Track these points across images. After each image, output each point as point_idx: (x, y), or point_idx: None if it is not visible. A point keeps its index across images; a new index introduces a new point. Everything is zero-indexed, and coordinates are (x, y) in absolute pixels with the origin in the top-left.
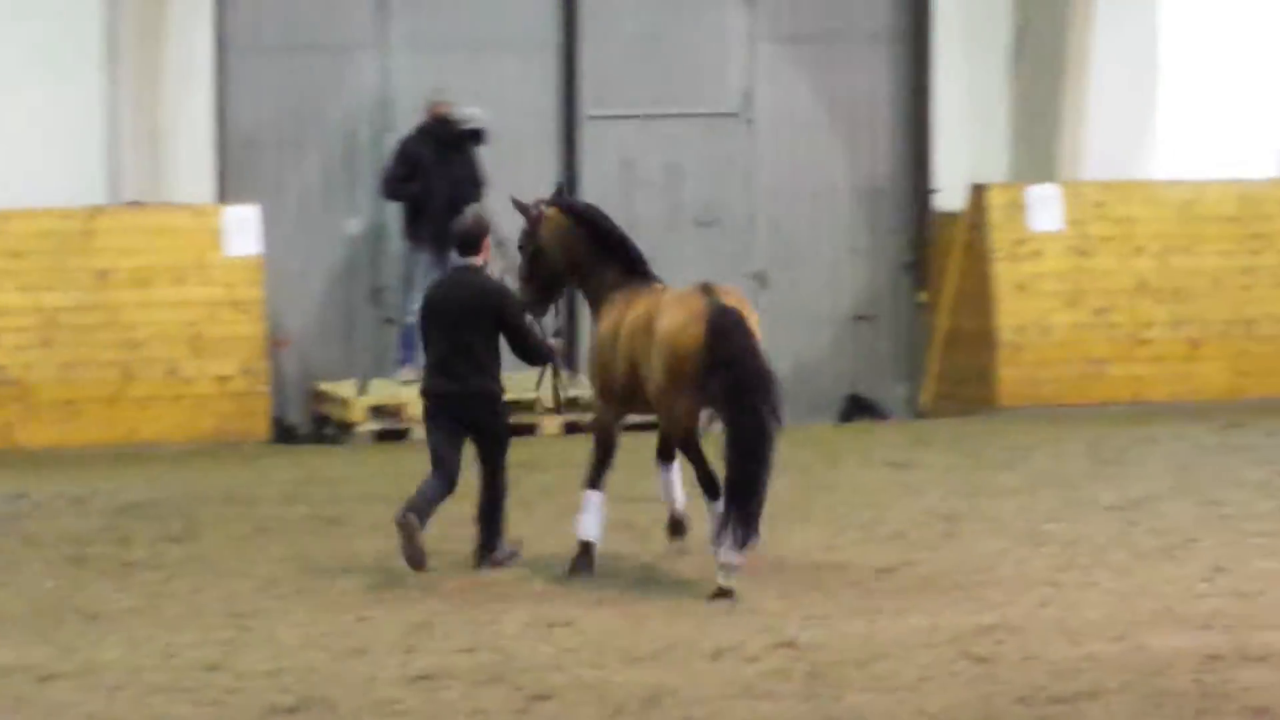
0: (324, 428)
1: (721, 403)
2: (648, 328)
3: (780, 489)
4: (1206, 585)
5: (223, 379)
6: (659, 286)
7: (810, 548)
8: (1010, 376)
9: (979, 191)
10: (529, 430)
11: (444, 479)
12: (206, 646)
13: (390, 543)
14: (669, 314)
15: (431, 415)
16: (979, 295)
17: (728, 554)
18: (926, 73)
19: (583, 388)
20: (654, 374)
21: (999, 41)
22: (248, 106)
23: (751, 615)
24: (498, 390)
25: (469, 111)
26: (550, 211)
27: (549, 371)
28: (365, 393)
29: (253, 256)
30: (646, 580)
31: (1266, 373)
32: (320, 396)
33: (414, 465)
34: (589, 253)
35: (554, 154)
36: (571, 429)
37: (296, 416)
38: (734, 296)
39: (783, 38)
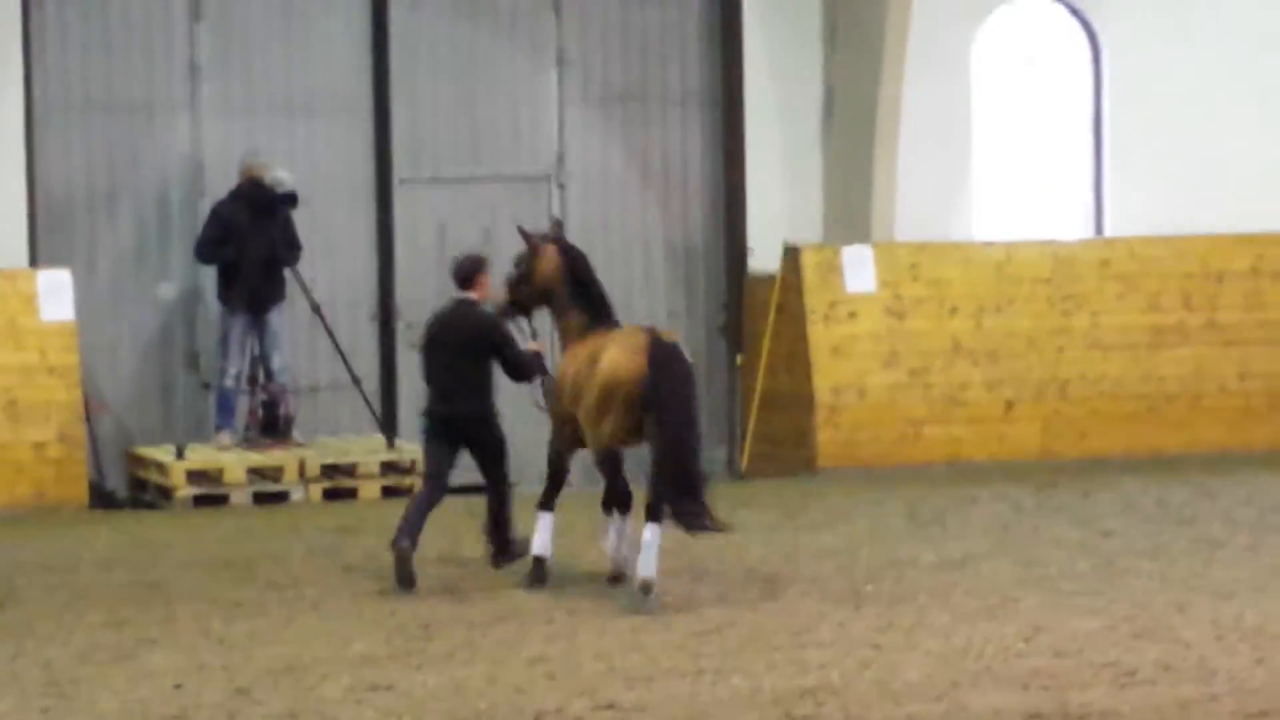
0: (142, 493)
1: (660, 418)
2: (591, 360)
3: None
4: (1026, 645)
5: (39, 445)
6: (614, 329)
7: (629, 606)
8: (828, 438)
9: (793, 253)
10: (351, 494)
11: (435, 489)
12: (25, 714)
13: (209, 606)
14: (615, 346)
15: (432, 434)
16: (795, 357)
17: (647, 567)
18: (738, 134)
19: (403, 452)
20: (588, 398)
21: (811, 103)
22: (59, 169)
23: (572, 677)
24: (492, 411)
25: (281, 175)
26: (549, 248)
27: (537, 381)
28: (183, 457)
29: (67, 321)
30: (469, 644)
31: (1080, 434)
32: (138, 461)
33: (233, 529)
34: (567, 292)
35: (367, 217)
36: (390, 492)
37: (115, 482)
38: (674, 336)
39: (594, 100)
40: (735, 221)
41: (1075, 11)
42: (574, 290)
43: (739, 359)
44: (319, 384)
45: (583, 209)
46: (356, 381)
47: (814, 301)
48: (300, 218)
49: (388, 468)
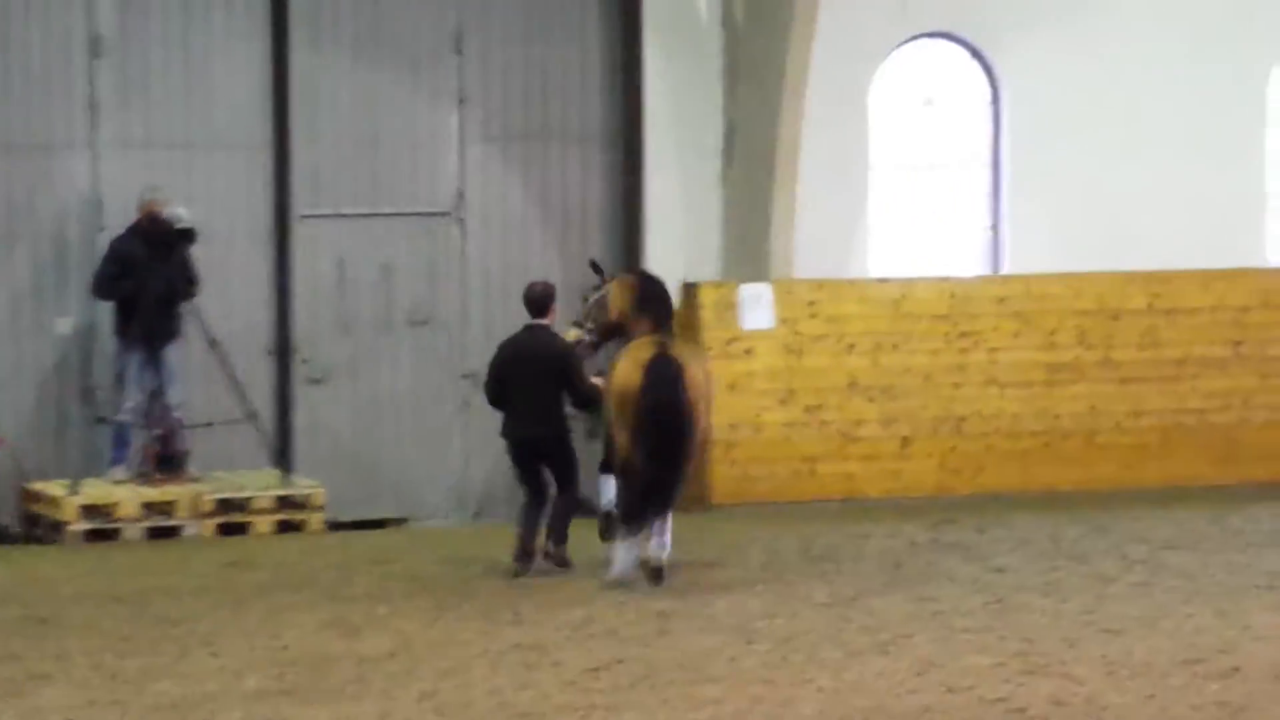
0: (35, 527)
1: (645, 430)
2: (612, 373)
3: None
4: (918, 680)
5: None
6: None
7: (521, 642)
8: (723, 474)
9: (691, 290)
10: (244, 529)
11: (541, 498)
12: None
13: (101, 642)
14: (625, 359)
15: (515, 457)
16: None
17: (656, 550)
18: (638, 172)
19: (297, 487)
20: (607, 411)
21: (711, 141)
22: None
23: (463, 713)
24: (566, 430)
25: (179, 211)
26: (628, 278)
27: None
28: (77, 492)
29: None
30: (360, 679)
31: (976, 470)
32: (32, 496)
33: (126, 564)
34: (637, 317)
35: (266, 253)
36: (286, 527)
37: (8, 516)
38: (686, 349)
39: (494, 137)
40: (634, 259)
41: (975, 52)
42: (640, 306)
43: None
44: (215, 419)
45: (482, 246)
46: (252, 416)
47: (711, 338)
48: (199, 253)
49: (282, 502)
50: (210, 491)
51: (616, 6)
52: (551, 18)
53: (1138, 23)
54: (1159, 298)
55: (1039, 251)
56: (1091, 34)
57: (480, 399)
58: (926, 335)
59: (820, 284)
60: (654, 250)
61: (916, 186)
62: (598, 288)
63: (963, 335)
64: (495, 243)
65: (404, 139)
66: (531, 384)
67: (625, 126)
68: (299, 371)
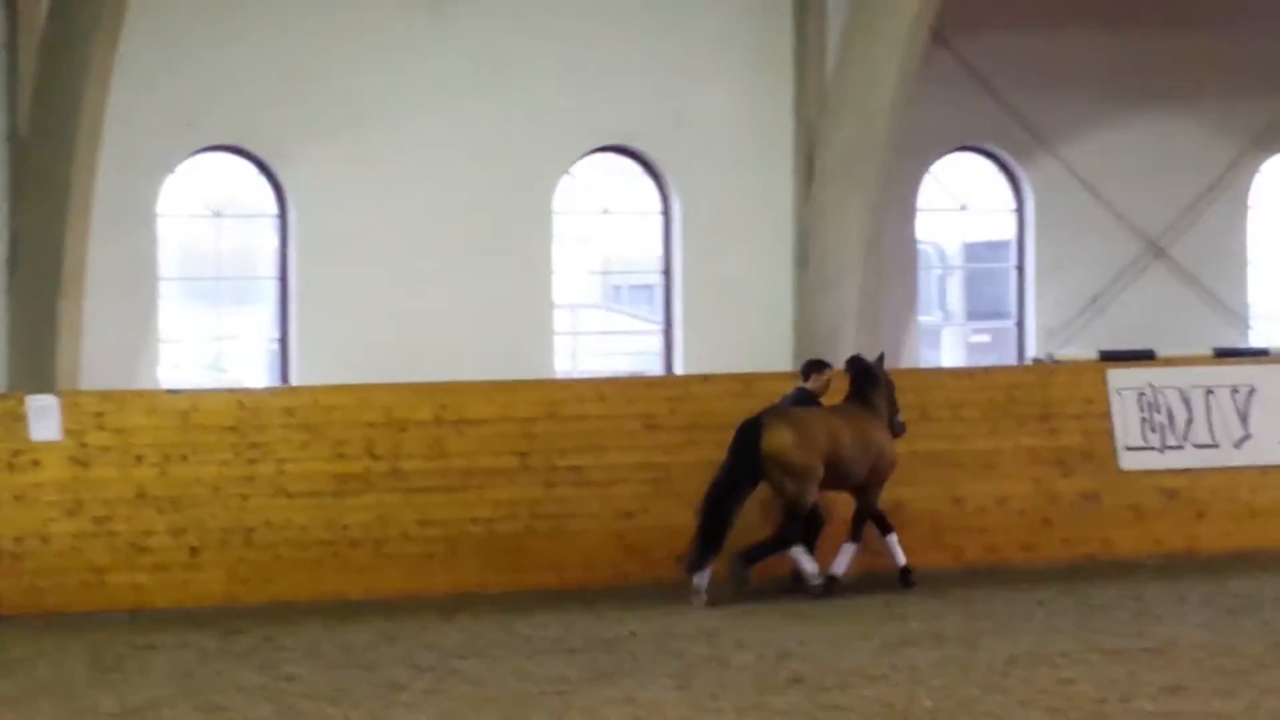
0: None
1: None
2: None
3: None
4: None
5: None
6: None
7: None
8: (10, 586)
9: None
10: None
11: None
12: None
13: None
14: None
15: None
16: None
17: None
18: None
19: None
20: None
21: None
22: None
23: None
24: None
25: None
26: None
27: None
28: None
29: None
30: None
31: (265, 579)
32: None
33: None
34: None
35: None
36: None
37: None
38: (780, 421)
39: None
40: None
41: (262, 165)
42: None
43: None
44: None
45: None
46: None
47: None
48: None
49: None
50: None
51: None
52: None
53: (426, 136)
54: (446, 409)
55: (327, 363)
56: (379, 147)
57: None
58: (215, 446)
59: (108, 395)
60: None
61: (206, 298)
62: None
63: (252, 446)
64: None
65: None
66: None
67: None
68: None
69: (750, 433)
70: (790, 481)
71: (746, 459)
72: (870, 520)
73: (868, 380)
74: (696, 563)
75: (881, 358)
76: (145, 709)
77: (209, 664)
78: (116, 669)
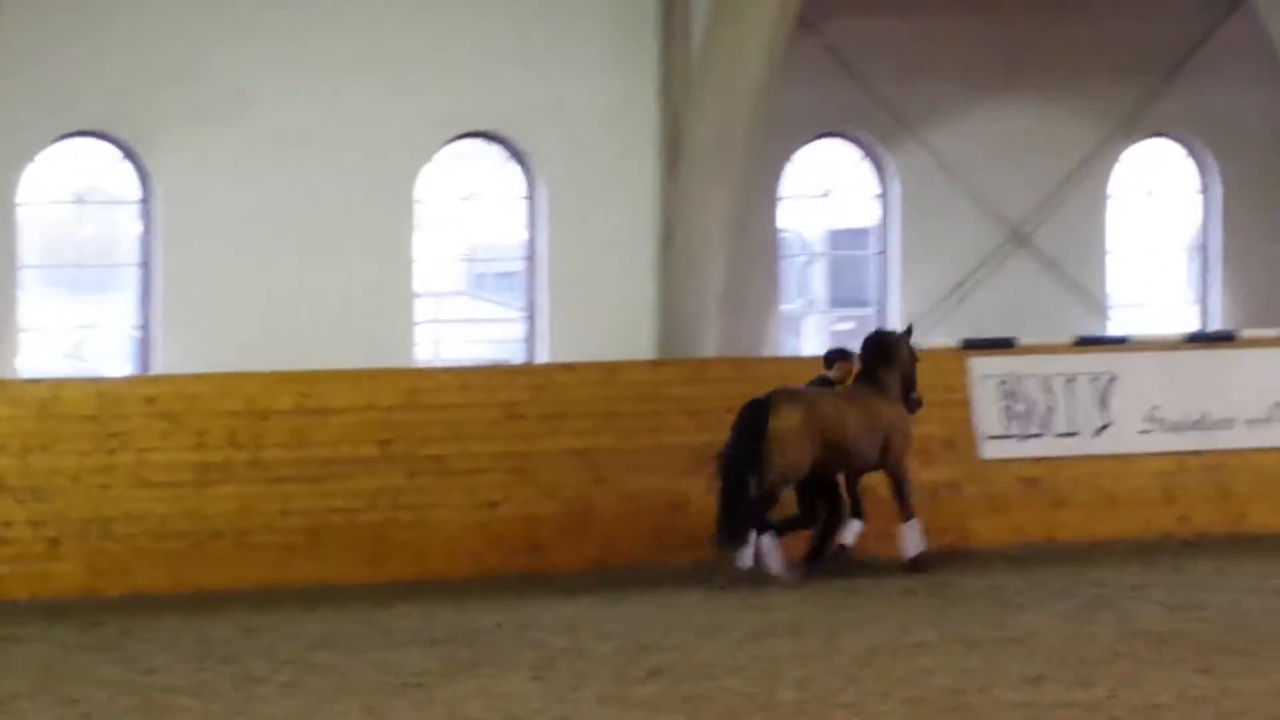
0: None
1: None
2: None
3: None
4: None
5: None
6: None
7: None
8: None
9: None
10: None
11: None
12: None
13: None
14: None
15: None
16: None
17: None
18: None
19: None
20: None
21: None
22: None
23: None
24: None
25: None
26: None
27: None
28: None
29: None
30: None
31: (124, 571)
32: None
33: None
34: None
35: None
36: None
37: None
38: (784, 401)
39: None
40: None
41: (128, 151)
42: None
43: None
44: None
45: None
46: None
47: None
48: None
49: None
50: None
51: None
52: None
53: (291, 122)
54: (307, 398)
55: (189, 352)
56: (245, 133)
57: None
58: (75, 436)
59: None
60: None
61: (67, 286)
62: None
63: (111, 436)
64: None
65: None
66: None
67: None
68: None
69: (758, 410)
70: (781, 458)
71: (751, 436)
72: (855, 500)
73: (880, 358)
74: (729, 537)
75: (910, 330)
76: (3, 701)
77: (68, 657)
78: None
